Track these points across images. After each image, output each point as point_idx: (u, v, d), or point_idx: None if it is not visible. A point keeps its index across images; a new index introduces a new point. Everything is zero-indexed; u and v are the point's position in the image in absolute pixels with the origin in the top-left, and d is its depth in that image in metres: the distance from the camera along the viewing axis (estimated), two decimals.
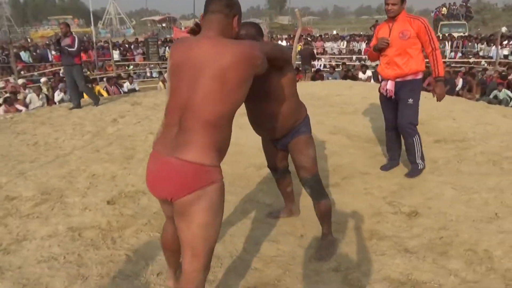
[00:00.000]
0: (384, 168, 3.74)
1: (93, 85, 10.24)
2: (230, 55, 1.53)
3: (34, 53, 17.28)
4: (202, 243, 1.58)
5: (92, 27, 24.70)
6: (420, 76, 3.41)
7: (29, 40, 39.91)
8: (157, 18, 58.10)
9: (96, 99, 7.18)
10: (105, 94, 9.95)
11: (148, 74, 15.52)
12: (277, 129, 2.34)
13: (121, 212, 3.05)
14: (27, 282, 2.21)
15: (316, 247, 2.54)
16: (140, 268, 2.36)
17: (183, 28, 31.79)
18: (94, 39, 19.15)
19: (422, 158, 3.53)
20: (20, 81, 10.52)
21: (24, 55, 16.21)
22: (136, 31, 56.77)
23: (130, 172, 3.87)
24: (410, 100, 3.35)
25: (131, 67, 15.95)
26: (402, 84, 3.37)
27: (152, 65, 15.44)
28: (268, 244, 2.61)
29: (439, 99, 3.36)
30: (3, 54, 16.23)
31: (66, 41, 6.52)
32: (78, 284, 2.20)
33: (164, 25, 53.21)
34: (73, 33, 6.73)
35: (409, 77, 3.34)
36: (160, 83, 11.67)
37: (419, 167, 3.53)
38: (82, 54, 9.15)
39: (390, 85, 3.41)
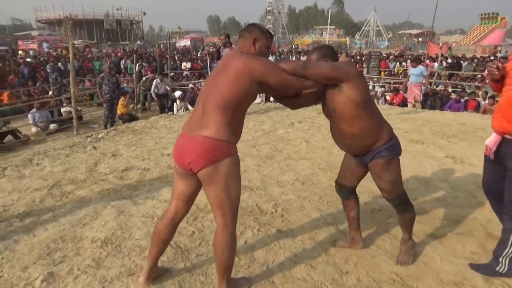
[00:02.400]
0: None
1: None
2: (234, 62, 2.06)
3: (279, 58, 20.10)
4: (227, 203, 2.04)
5: (347, 38, 26.11)
6: None
7: (294, 46, 46.08)
8: (414, 31, 56.28)
9: None
10: None
11: (371, 87, 15.57)
12: (351, 147, 2.45)
13: None
14: None
15: None
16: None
17: (440, 43, 29.81)
18: (348, 49, 20.44)
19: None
20: None
21: (271, 59, 19.19)
22: (391, 44, 56.77)
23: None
24: None
25: None
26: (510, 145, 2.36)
27: (375, 79, 15.41)
28: (301, 268, 2.58)
29: None
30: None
31: (225, 51, 7.02)
32: None
33: (420, 39, 51.20)
34: (232, 44, 6.97)
35: None
36: None
37: (498, 268, 2.45)
38: None
39: (491, 141, 2.46)
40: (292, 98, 2.41)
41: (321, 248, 2.80)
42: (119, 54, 22.64)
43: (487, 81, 10.34)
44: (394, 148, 2.41)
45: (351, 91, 2.22)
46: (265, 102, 10.47)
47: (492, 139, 2.45)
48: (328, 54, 2.39)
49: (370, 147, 2.38)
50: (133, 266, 2.56)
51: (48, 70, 13.77)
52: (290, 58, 20.47)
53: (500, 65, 2.34)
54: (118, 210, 3.39)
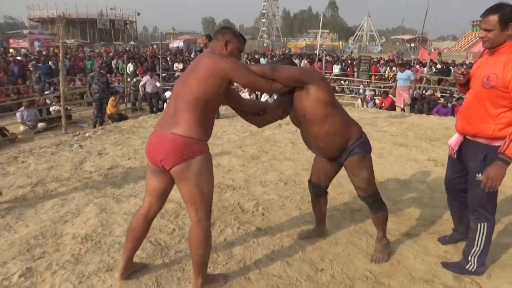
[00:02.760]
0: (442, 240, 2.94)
1: None
2: (204, 61, 2.12)
3: (270, 60, 20.21)
4: (200, 199, 2.09)
5: (341, 42, 26.31)
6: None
7: (286, 49, 46.29)
8: (406, 37, 56.80)
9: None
10: None
11: (361, 91, 15.74)
12: (325, 149, 2.50)
13: None
14: None
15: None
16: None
17: (432, 49, 30.12)
18: (339, 53, 20.63)
19: (481, 258, 2.49)
20: None
21: (262, 61, 19.25)
22: (384, 49, 57.22)
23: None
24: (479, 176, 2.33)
25: (346, 82, 16.53)
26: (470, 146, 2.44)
27: (365, 83, 15.57)
28: (278, 264, 2.63)
29: (487, 185, 2.18)
30: (248, 58, 19.68)
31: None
32: None
33: (412, 44, 51.67)
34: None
35: (481, 140, 2.35)
36: (359, 101, 11.77)
37: (468, 266, 2.51)
38: None
39: (453, 141, 2.58)
40: (258, 115, 2.51)
41: (298, 245, 2.86)
42: (110, 54, 22.57)
43: None
44: (365, 144, 2.50)
45: (318, 92, 2.29)
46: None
47: (454, 139, 2.56)
48: (288, 64, 2.48)
49: (344, 146, 2.45)
50: (111, 262, 2.59)
51: (31, 68, 13.72)
52: None
53: (464, 70, 2.43)
54: (100, 208, 3.42)
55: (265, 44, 57.50)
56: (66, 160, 4.82)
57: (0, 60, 16.66)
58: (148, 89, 11.33)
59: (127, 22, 54.14)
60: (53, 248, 2.76)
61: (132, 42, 46.20)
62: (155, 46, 34.31)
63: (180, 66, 17.73)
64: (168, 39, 49.28)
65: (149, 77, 11.35)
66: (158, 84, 11.60)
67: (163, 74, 14.75)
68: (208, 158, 2.13)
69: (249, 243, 2.88)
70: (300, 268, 2.58)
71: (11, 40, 34.51)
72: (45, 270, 2.50)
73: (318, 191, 2.80)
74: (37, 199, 3.68)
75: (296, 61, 20.71)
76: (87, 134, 6.20)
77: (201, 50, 7.26)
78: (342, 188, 3.94)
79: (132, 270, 2.41)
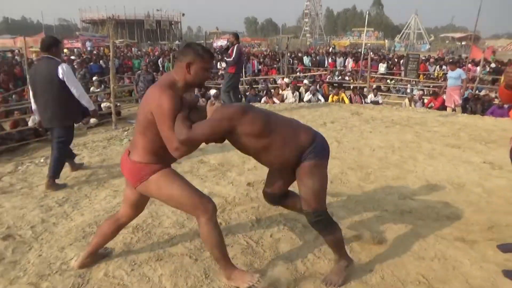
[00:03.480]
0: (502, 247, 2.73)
1: (340, 91, 11.18)
2: (151, 91, 2.14)
3: (314, 59, 19.99)
4: (180, 206, 2.25)
5: (387, 40, 25.65)
6: None
7: (330, 47, 45.67)
8: (457, 35, 54.20)
9: None
10: (347, 101, 10.68)
11: (408, 91, 15.18)
12: (283, 167, 2.32)
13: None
14: None
15: None
16: None
17: (486, 48, 28.52)
18: (386, 51, 20.10)
19: None
20: (287, 80, 12.62)
21: (306, 60, 19.05)
22: (432, 47, 54.94)
23: None
24: None
25: (393, 81, 16.00)
26: None
27: (413, 82, 15.00)
28: (325, 264, 2.58)
29: None
30: (291, 56, 19.57)
31: (235, 48, 6.86)
32: None
33: (463, 43, 49.22)
34: (240, 43, 6.98)
35: None
36: (406, 100, 11.36)
37: None
38: None
39: None
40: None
41: (347, 245, 2.78)
42: (157, 53, 23.26)
43: None
44: (319, 150, 2.22)
45: (246, 128, 2.10)
46: (298, 102, 10.46)
47: None
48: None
49: (297, 156, 2.20)
50: (161, 252, 2.66)
51: (76, 66, 14.38)
52: (326, 59, 20.27)
53: None
54: (150, 200, 3.51)
55: (308, 43, 57.01)
56: (117, 154, 5.01)
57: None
58: None
59: (172, 22, 55.58)
60: None
61: (177, 42, 47.38)
62: None
63: (224, 64, 17.94)
64: (212, 38, 50.10)
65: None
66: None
67: None
68: (163, 173, 2.21)
69: (295, 240, 2.85)
70: (348, 269, 2.51)
71: (65, 41, 36.55)
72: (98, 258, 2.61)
73: (274, 199, 2.62)
74: (91, 190, 3.85)
75: (340, 59, 20.34)
76: None
77: (227, 49, 7.27)
78: (390, 189, 3.82)
79: (94, 261, 2.53)
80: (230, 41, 7.16)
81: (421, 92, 12.67)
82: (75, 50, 28.82)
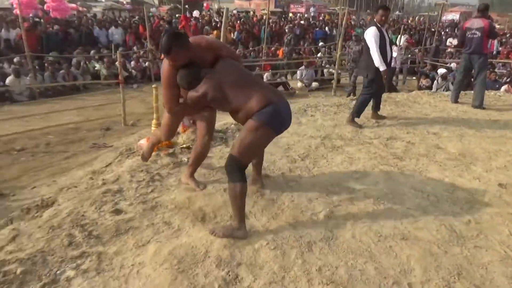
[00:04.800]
0: None
1: None
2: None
3: None
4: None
5: None
6: None
7: None
8: None
9: None
10: None
11: None
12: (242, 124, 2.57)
13: None
14: None
15: None
16: None
17: None
18: None
19: None
20: None
21: None
22: None
23: None
24: None
25: None
26: None
27: None
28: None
29: None
30: None
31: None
32: None
33: None
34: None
35: None
36: None
37: None
38: None
39: None
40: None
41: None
42: None
43: None
44: (264, 115, 2.41)
45: (209, 96, 2.51)
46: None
47: None
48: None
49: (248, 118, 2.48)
50: (406, 232, 2.61)
51: (286, 31, 14.84)
52: None
53: None
54: (387, 175, 3.50)
55: None
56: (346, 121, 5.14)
57: (285, 23, 19.17)
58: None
59: None
60: (348, 202, 3.00)
61: (397, 12, 44.66)
62: (421, 18, 32.12)
63: (455, 41, 15.97)
64: (437, 10, 45.09)
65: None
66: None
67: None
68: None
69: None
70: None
71: (291, 6, 39.15)
72: (344, 218, 2.76)
73: None
74: (327, 152, 4.08)
75: None
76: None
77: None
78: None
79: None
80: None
81: None
82: (298, 15, 30.57)
